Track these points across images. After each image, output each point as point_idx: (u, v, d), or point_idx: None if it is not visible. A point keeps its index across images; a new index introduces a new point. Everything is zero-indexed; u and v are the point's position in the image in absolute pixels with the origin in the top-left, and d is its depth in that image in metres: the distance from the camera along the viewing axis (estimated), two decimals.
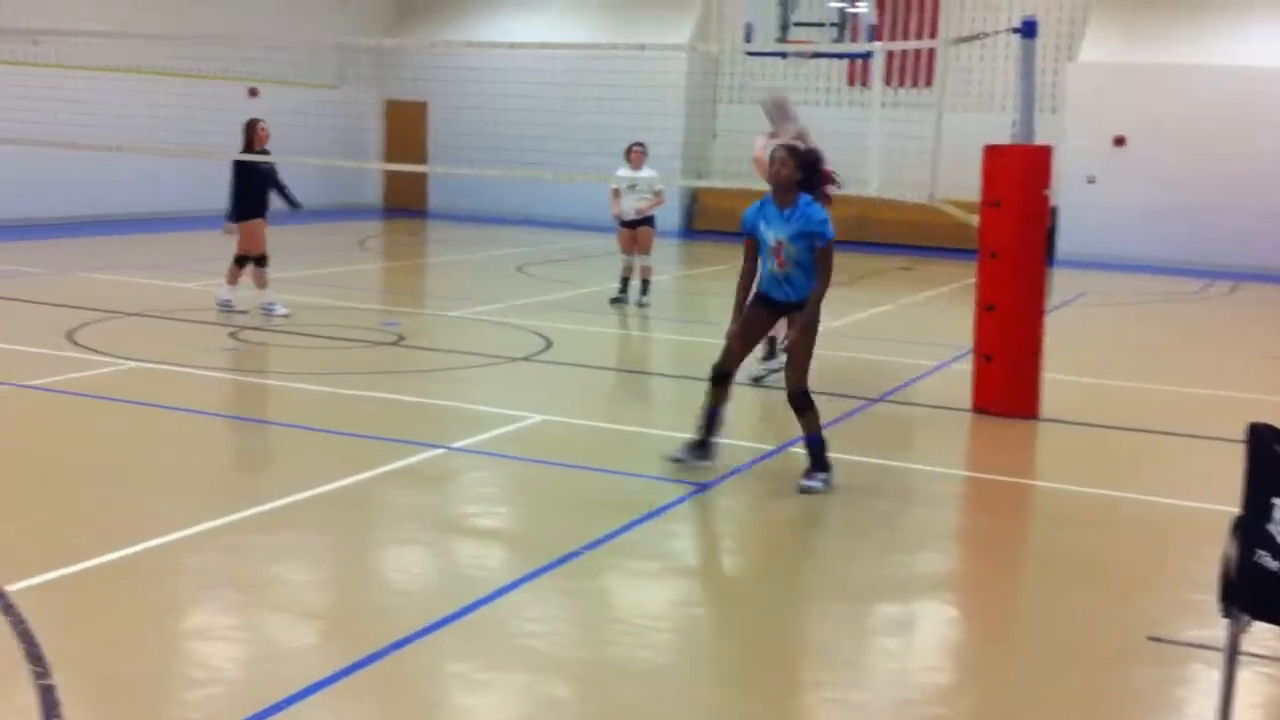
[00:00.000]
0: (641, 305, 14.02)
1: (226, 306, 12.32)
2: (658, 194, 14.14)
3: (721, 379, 7.36)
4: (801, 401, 7.14)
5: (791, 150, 7.17)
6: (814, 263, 7.06)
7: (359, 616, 5.27)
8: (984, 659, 5.12)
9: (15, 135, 16.25)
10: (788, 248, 7.06)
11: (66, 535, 6.02)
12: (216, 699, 4.39)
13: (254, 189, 12.41)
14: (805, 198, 7.11)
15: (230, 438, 8.31)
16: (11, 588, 5.13)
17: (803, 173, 7.11)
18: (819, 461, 7.18)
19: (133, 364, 9.69)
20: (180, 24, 22.34)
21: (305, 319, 12.22)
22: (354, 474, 7.05)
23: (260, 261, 12.43)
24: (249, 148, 12.46)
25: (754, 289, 7.31)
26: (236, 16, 23.43)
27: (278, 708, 4.25)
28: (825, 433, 7.26)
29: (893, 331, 13.26)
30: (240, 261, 12.39)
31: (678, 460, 7.38)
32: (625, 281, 14.20)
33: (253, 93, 23.72)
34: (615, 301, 14.15)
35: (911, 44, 22.26)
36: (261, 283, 12.42)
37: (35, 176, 19.96)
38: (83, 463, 7.20)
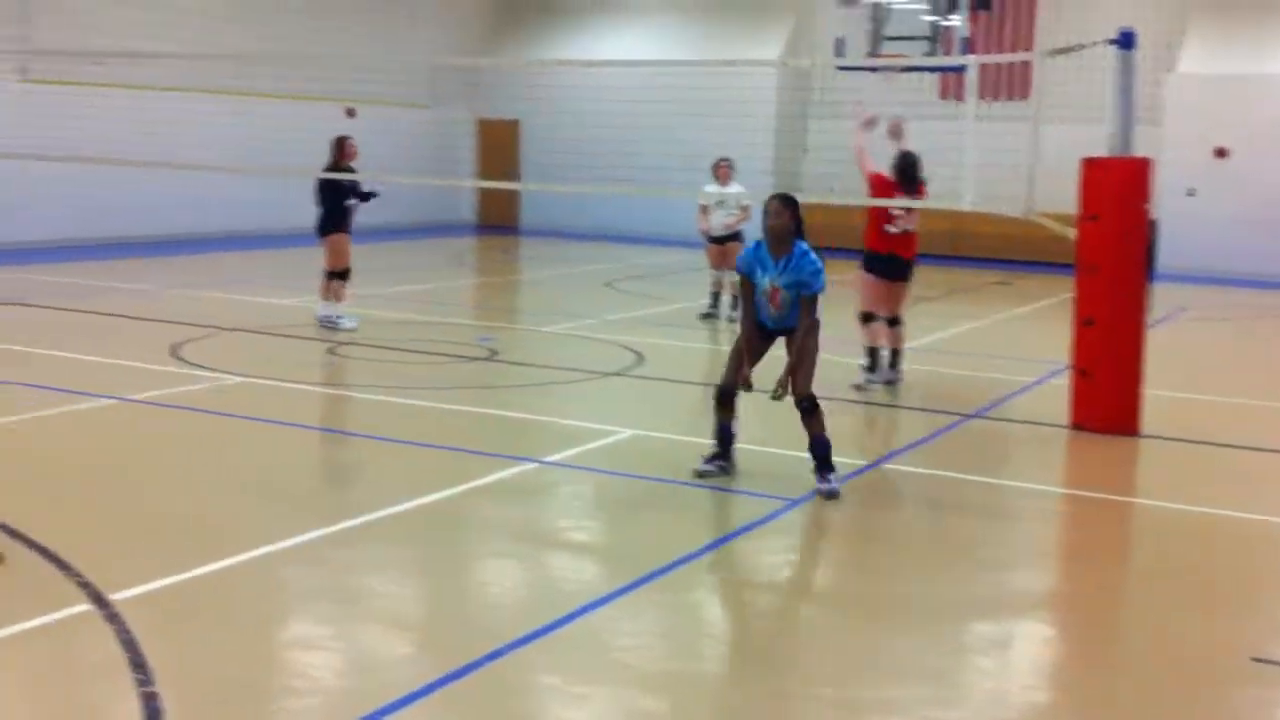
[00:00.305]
0: (732, 320, 13.99)
1: (326, 322, 12.51)
2: (744, 209, 14.11)
3: (726, 399, 7.42)
4: (810, 408, 7.19)
5: (785, 200, 7.28)
6: (802, 307, 7.20)
7: (453, 628, 5.31)
8: (1082, 678, 5.02)
9: (119, 156, 16.66)
10: (783, 294, 7.24)
11: (169, 546, 6.14)
12: (315, 709, 4.45)
13: (339, 204, 12.61)
14: (800, 246, 7.23)
15: (327, 451, 8.44)
16: (116, 596, 5.25)
17: (796, 223, 7.23)
18: (829, 463, 7.22)
19: (234, 379, 9.87)
20: (279, 47, 22.79)
21: (400, 334, 12.37)
22: (448, 488, 7.12)
23: (343, 275, 12.62)
24: (336, 164, 12.67)
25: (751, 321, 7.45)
26: (333, 39, 23.85)
27: (376, 716, 4.30)
28: (920, 449, 7.19)
29: (987, 347, 13.10)
30: (331, 276, 12.59)
31: (704, 473, 7.41)
32: (715, 297, 14.20)
33: (350, 113, 24.09)
34: (706, 317, 14.16)
35: (1006, 57, 21.98)
36: (338, 296, 12.60)
37: (136, 197, 20.45)
38: (185, 475, 7.34)
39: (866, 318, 10.48)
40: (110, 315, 13.19)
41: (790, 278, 7.19)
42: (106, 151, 16.81)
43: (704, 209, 14.16)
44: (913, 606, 5.66)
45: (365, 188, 12.77)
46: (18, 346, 11.13)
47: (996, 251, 22.68)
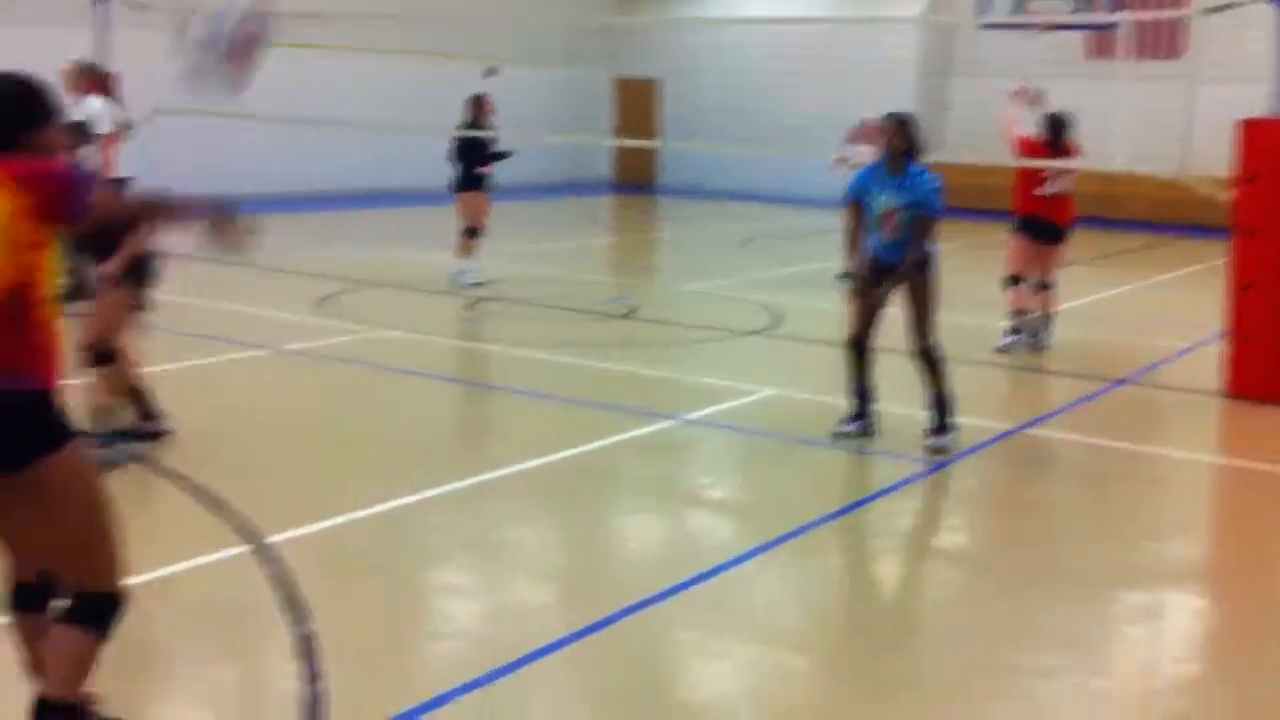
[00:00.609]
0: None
1: (459, 278, 12.67)
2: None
3: (857, 347, 7.29)
4: (932, 355, 7.09)
5: (899, 119, 7.10)
6: (916, 225, 6.98)
7: (593, 581, 5.37)
8: (1235, 651, 4.89)
9: (272, 114, 17.02)
10: (900, 215, 7.00)
11: (321, 491, 6.30)
12: (460, 653, 4.54)
13: (475, 163, 12.73)
14: (915, 165, 7.03)
15: (468, 403, 8.56)
16: (272, 539, 5.41)
17: (909, 142, 7.03)
18: (947, 423, 7.11)
19: (380, 331, 10.07)
20: (420, 7, 23.03)
21: (539, 291, 12.48)
22: (588, 443, 7.18)
23: (474, 233, 12.74)
24: (474, 123, 12.78)
25: (862, 255, 7.26)
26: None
27: (517, 665, 4.37)
28: (1067, 414, 7.04)
29: (1136, 312, 12.76)
30: (466, 233, 12.73)
31: (842, 434, 7.31)
32: None
33: (491, 72, 24.28)
34: (843, 276, 13.99)
35: (1158, 13, 21.26)
36: (470, 252, 12.72)
37: (287, 155, 20.91)
38: (332, 423, 7.52)
39: (1013, 280, 10.29)
40: (261, 269, 13.53)
41: (908, 197, 6.99)
42: (262, 109, 17.19)
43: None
44: (1060, 574, 5.55)
45: (498, 148, 12.87)
46: (174, 297, 11.48)
47: (1145, 215, 22.04)
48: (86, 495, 3.43)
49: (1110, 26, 20.84)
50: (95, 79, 9.37)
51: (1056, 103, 10.43)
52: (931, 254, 7.15)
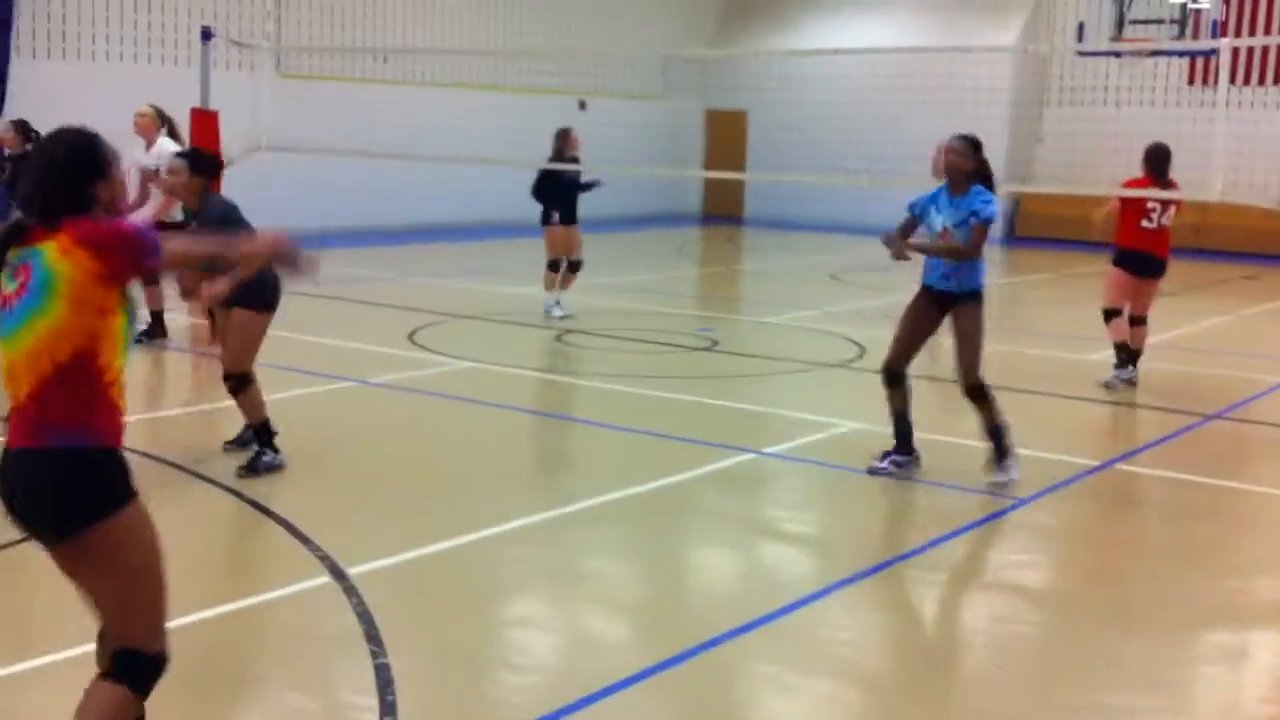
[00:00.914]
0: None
1: (551, 311, 12.78)
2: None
3: (894, 379, 7.22)
4: (979, 394, 7.00)
5: (968, 141, 7.04)
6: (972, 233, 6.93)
7: (670, 614, 5.39)
8: None
9: (362, 148, 17.37)
10: (953, 235, 6.95)
11: (403, 523, 6.41)
12: (537, 686, 4.59)
13: (555, 195, 12.81)
14: (977, 187, 6.98)
15: (550, 436, 8.64)
16: (354, 570, 5.51)
17: (974, 164, 6.98)
18: (1006, 450, 7.02)
19: (466, 364, 10.20)
20: (514, 41, 23.39)
21: (624, 323, 12.56)
22: (668, 476, 7.22)
23: (553, 266, 12.81)
24: (559, 155, 12.92)
25: (919, 281, 7.22)
26: (566, 32, 24.32)
27: (593, 698, 4.40)
28: (1156, 450, 6.94)
29: (1230, 345, 12.51)
30: (553, 266, 12.83)
31: (879, 471, 7.21)
32: None
33: (582, 105, 24.53)
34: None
35: (1261, 39, 20.91)
36: (549, 285, 12.81)
37: (382, 188, 21.29)
38: (417, 456, 7.63)
39: (1109, 314, 10.13)
40: (353, 301, 13.79)
41: (962, 214, 6.95)
42: (351, 144, 17.56)
43: None
44: (1144, 612, 5.47)
45: (585, 179, 12.96)
46: (270, 330, 11.73)
47: (1243, 245, 21.60)
48: (138, 557, 3.49)
49: (1211, 53, 20.54)
50: (166, 122, 9.90)
51: (1158, 133, 10.29)
52: (981, 286, 7.10)
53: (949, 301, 7.09)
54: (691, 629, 5.09)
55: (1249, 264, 20.50)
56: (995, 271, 19.76)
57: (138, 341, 9.79)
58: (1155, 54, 21.19)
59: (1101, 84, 24.30)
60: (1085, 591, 5.84)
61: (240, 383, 7.06)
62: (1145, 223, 9.82)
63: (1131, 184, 9.98)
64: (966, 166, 6.99)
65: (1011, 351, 12.23)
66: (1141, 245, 9.91)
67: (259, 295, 6.93)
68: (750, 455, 7.74)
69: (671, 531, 6.48)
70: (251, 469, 6.95)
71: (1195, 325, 13.53)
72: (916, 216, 7.22)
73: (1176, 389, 10.02)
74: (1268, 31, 21.65)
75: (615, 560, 6.08)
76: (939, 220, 7.05)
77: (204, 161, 7.09)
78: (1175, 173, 10.04)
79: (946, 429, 8.80)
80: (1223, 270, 19.51)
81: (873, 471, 7.24)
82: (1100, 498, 7.22)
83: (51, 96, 17.26)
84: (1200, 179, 10.55)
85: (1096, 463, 7.74)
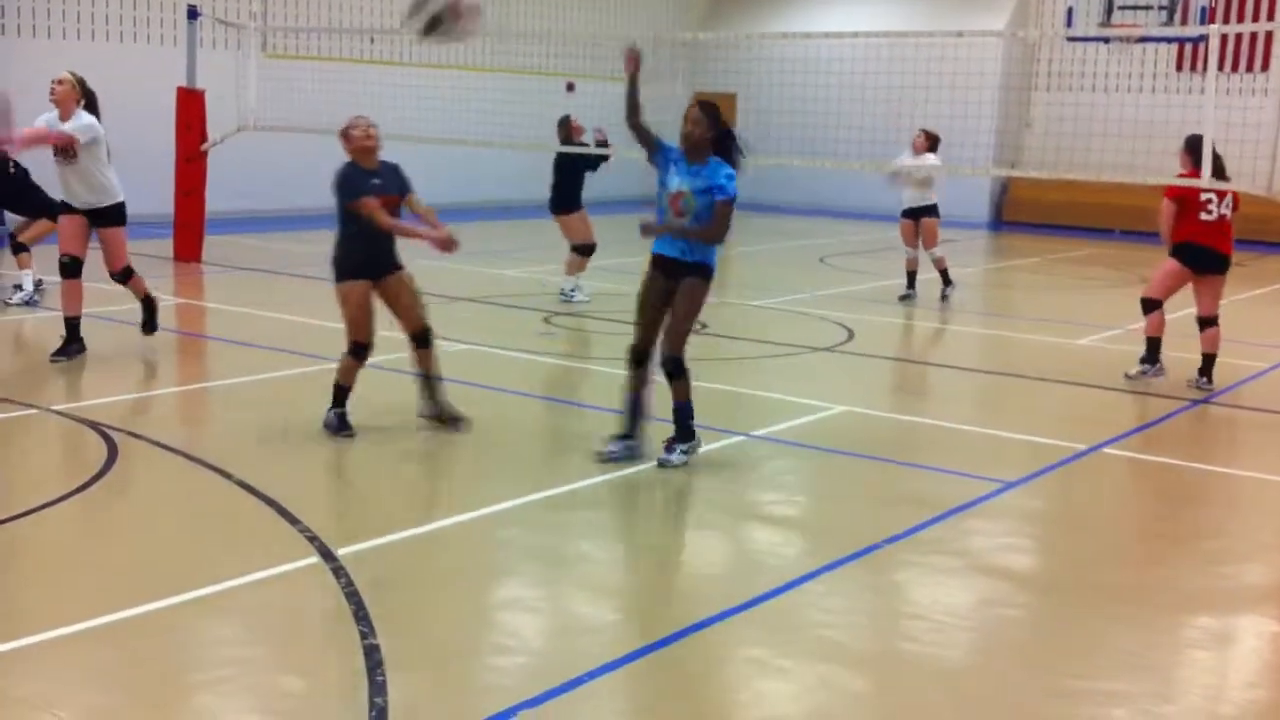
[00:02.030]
0: (945, 298, 13.68)
1: (574, 296, 12.80)
2: (922, 180, 13.64)
3: (640, 360, 7.12)
4: (677, 368, 6.94)
5: (706, 108, 6.93)
6: (711, 216, 6.82)
7: (658, 597, 5.40)
8: None
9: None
10: (688, 199, 6.83)
11: (391, 504, 6.41)
12: (525, 668, 4.59)
13: (580, 181, 12.90)
14: (717, 160, 6.87)
15: (540, 418, 8.62)
16: (342, 551, 5.50)
17: (715, 132, 6.86)
18: (684, 432, 6.98)
19: (460, 346, 10.17)
20: (502, 22, 23.28)
21: (612, 305, 12.55)
22: (654, 459, 7.20)
23: (585, 251, 12.87)
24: (569, 143, 12.95)
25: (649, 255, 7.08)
26: (553, 14, 24.24)
27: (582, 680, 4.41)
28: (1144, 434, 6.95)
29: (1221, 330, 12.52)
30: (584, 250, 12.86)
31: (609, 456, 7.07)
32: (911, 276, 13.79)
33: (570, 87, 24.46)
34: (904, 299, 13.74)
35: (1250, 26, 20.93)
36: (578, 269, 12.86)
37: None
38: (408, 437, 7.61)
39: (1153, 304, 9.82)
40: None
41: (704, 183, 6.83)
42: (338, 124, 17.47)
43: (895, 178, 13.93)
44: (1131, 597, 5.50)
45: (594, 154, 12.98)
46: (254, 310, 11.71)
47: (1240, 232, 21.64)
48: None
49: (1200, 39, 20.56)
50: (86, 95, 9.27)
51: (1146, 119, 10.25)
52: (711, 263, 7.01)
53: (677, 271, 6.95)
54: (679, 612, 5.10)
55: (1237, 250, 20.53)
56: (982, 257, 19.82)
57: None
58: (1144, 40, 21.24)
59: (1090, 70, 24.32)
60: (1072, 575, 5.85)
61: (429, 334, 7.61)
62: (1204, 215, 9.52)
63: (1173, 189, 9.63)
64: (705, 135, 6.85)
65: (999, 336, 12.27)
66: (1202, 238, 9.57)
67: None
68: (739, 438, 7.74)
69: (661, 514, 6.48)
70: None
71: (1183, 311, 13.56)
72: (659, 147, 7.07)
73: (1167, 373, 10.03)
74: (1256, 18, 21.67)
75: (604, 543, 6.08)
76: (675, 182, 6.91)
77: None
78: (1163, 159, 10.04)
79: (932, 413, 8.83)
80: None
81: (606, 458, 7.06)
82: (1088, 481, 7.23)
83: (36, 76, 17.15)
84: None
85: (1084, 446, 7.76)
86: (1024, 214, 24.24)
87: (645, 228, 6.99)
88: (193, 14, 15.78)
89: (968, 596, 5.50)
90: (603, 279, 13.92)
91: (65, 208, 9.30)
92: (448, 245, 7.26)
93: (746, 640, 4.89)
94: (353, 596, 5.03)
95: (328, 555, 5.45)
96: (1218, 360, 9.67)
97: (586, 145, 12.99)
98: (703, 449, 7.39)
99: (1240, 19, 21.76)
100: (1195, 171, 9.57)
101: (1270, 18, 21.09)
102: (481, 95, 21.86)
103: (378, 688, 4.27)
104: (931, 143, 13.76)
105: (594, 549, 5.93)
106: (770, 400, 8.83)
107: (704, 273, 6.98)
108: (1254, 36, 21.81)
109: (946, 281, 13.78)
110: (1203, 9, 18.77)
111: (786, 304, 13.26)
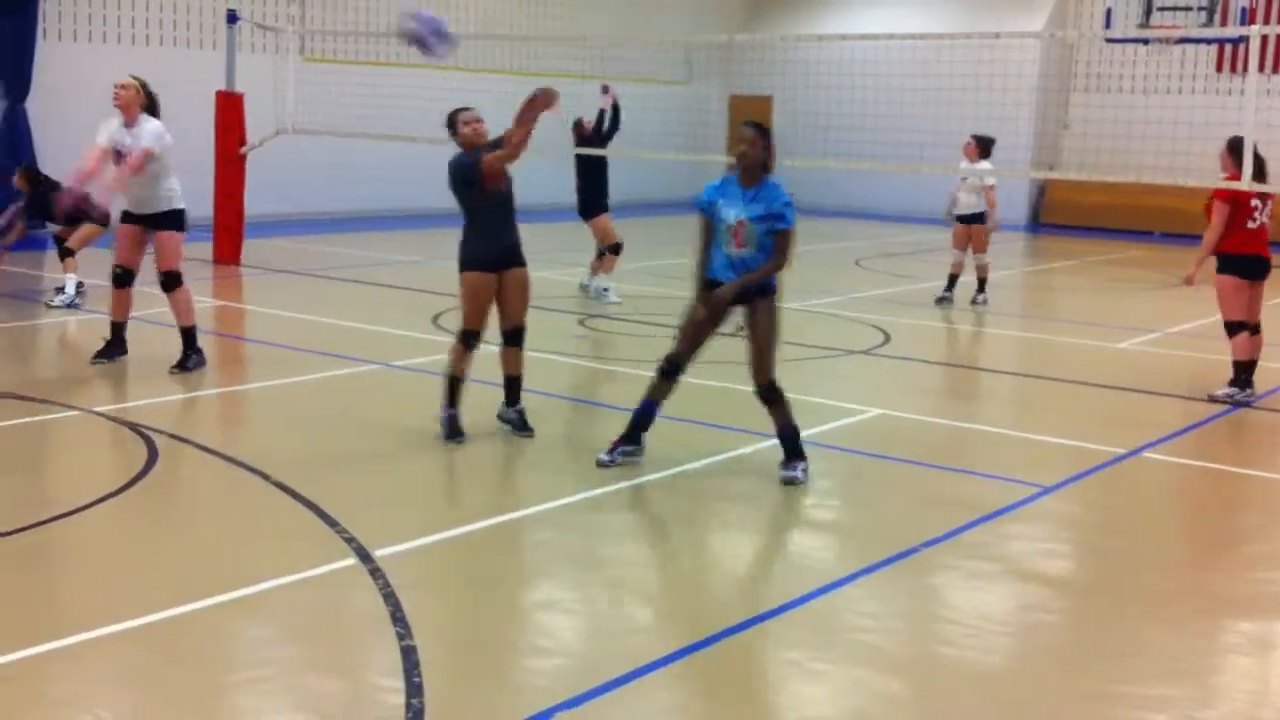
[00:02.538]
0: (976, 304, 13.59)
1: (607, 296, 12.91)
2: (988, 188, 13.62)
3: (672, 373, 7.03)
4: (772, 394, 6.83)
5: (759, 129, 6.79)
6: (774, 246, 6.69)
7: (696, 599, 5.39)
8: None
9: (386, 132, 17.37)
10: (748, 227, 6.69)
11: (428, 506, 6.43)
12: (561, 670, 4.59)
13: (606, 181, 12.99)
14: (772, 183, 6.75)
15: (575, 420, 8.63)
16: (380, 552, 5.53)
17: (769, 152, 6.74)
18: (797, 451, 6.86)
19: (490, 348, 10.20)
20: (537, 25, 23.36)
21: (648, 308, 12.55)
22: (692, 461, 7.21)
23: (616, 250, 12.98)
24: (586, 142, 13.10)
25: (703, 275, 6.94)
26: (590, 16, 24.28)
27: (619, 682, 4.41)
28: (1185, 437, 6.89)
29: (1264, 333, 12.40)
30: (616, 250, 12.98)
31: (608, 463, 6.99)
32: (953, 280, 13.75)
33: (604, 89, 24.47)
34: (940, 301, 13.67)
35: None
36: (610, 268, 13.00)
37: (404, 170, 21.32)
38: (441, 440, 7.64)
39: (1239, 326, 9.31)
40: (377, 285, 13.83)
41: (762, 208, 6.68)
42: (375, 128, 17.57)
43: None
44: (1170, 601, 5.45)
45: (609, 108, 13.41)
46: (292, 313, 11.79)
47: (1274, 234, 21.38)
48: None
49: (1240, 40, 20.37)
50: (150, 99, 9.23)
51: (1186, 120, 10.13)
52: (773, 282, 6.86)
53: (740, 297, 6.82)
54: (716, 614, 5.09)
55: (1278, 252, 20.34)
56: (1020, 258, 19.71)
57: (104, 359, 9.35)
58: (1183, 41, 21.03)
59: (1129, 71, 24.15)
60: (1111, 580, 5.81)
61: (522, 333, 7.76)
62: (1251, 222, 9.26)
63: (1223, 191, 9.27)
64: (759, 156, 6.73)
65: (1038, 339, 12.19)
66: (1250, 247, 9.29)
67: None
68: (775, 441, 7.71)
69: (696, 516, 6.47)
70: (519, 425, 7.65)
71: (1212, 317, 13.43)
72: (709, 214, 6.90)
73: (1204, 377, 9.94)
74: None
75: (640, 545, 6.08)
76: (732, 213, 6.75)
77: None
78: (1204, 160, 9.93)
79: (970, 417, 8.78)
80: None
81: (603, 464, 7.00)
82: (1127, 486, 7.18)
83: (77, 79, 17.34)
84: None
85: (1124, 450, 7.70)
86: (1062, 216, 24.08)
87: (718, 298, 6.79)
88: (232, 18, 15.89)
89: (1005, 601, 5.47)
90: (634, 281, 13.93)
91: (124, 215, 9.33)
92: (546, 98, 7.89)
93: (784, 643, 4.88)
94: (390, 598, 5.05)
95: (365, 557, 5.48)
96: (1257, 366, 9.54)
97: (603, 117, 13.37)
98: (740, 451, 7.39)
99: None
100: (1237, 174, 9.43)
101: None
102: (517, 99, 21.92)
103: (414, 689, 4.28)
104: (984, 148, 13.68)
105: (629, 552, 5.94)
106: (806, 403, 8.78)
107: (770, 293, 6.87)
108: None
109: (981, 289, 13.72)
110: (1243, 9, 18.57)
111: (822, 306, 13.22)
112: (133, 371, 9.17)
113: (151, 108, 9.18)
